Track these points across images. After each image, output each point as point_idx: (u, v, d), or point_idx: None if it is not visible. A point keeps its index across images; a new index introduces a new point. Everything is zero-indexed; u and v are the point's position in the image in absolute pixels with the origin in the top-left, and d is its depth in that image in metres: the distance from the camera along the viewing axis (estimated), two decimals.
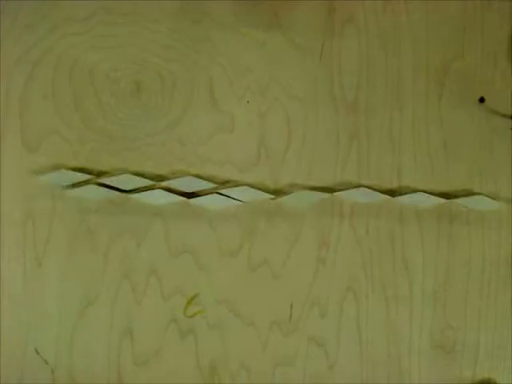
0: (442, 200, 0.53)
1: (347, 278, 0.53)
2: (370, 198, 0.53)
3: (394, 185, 0.54)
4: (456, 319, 0.53)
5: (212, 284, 0.53)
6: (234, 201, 0.53)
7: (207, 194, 0.53)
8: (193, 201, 0.53)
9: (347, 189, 0.53)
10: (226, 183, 0.54)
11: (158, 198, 0.53)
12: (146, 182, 0.53)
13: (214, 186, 0.53)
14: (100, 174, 0.53)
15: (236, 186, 0.53)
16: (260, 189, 0.53)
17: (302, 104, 0.54)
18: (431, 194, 0.53)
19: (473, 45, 0.54)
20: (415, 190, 0.53)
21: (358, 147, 0.54)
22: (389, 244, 0.54)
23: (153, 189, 0.53)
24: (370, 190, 0.53)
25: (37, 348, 0.53)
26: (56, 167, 0.53)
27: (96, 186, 0.52)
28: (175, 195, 0.53)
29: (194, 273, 0.53)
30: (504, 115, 0.50)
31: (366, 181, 0.53)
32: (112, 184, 0.53)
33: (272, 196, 0.53)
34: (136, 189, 0.53)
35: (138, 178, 0.53)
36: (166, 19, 0.54)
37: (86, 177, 0.53)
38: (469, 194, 0.53)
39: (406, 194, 0.53)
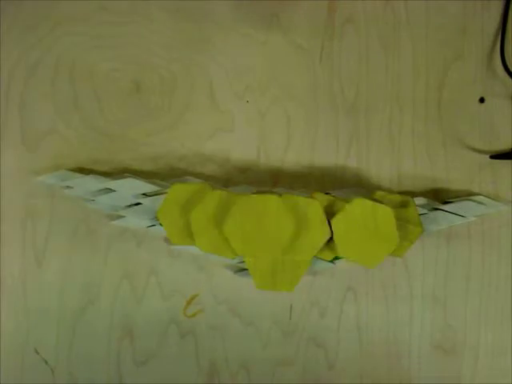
0: (442, 200, 0.53)
1: (347, 277, 0.53)
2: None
3: (393, 185, 0.54)
4: (456, 319, 0.53)
5: (212, 284, 0.54)
6: None
7: None
8: None
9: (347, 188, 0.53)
10: (225, 183, 0.54)
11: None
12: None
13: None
14: (100, 174, 0.53)
15: (236, 185, 0.53)
16: (260, 189, 0.53)
17: (302, 104, 0.54)
18: (431, 194, 0.53)
19: (473, 45, 0.54)
20: (415, 191, 0.53)
21: (358, 147, 0.54)
22: None
23: None
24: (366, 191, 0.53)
25: (37, 348, 0.53)
26: (56, 167, 0.53)
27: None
28: None
29: (194, 273, 0.54)
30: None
31: (366, 181, 0.53)
32: None
33: None
34: None
35: (138, 177, 0.53)
36: (166, 19, 0.54)
37: None
38: (469, 194, 0.53)
39: (405, 193, 0.53)
